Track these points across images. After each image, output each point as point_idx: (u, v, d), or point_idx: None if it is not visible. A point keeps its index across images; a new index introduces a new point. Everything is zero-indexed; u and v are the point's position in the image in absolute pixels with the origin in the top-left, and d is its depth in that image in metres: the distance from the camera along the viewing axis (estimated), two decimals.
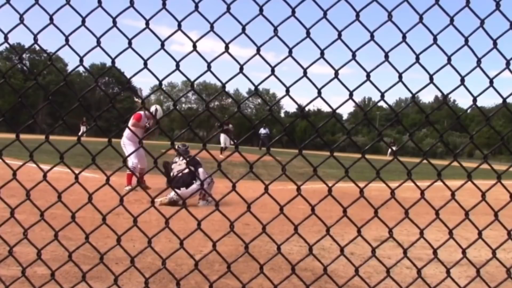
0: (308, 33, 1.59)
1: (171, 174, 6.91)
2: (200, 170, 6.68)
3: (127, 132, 7.59)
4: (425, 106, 55.07)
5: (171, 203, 6.20)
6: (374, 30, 1.60)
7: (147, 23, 1.52)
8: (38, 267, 2.78)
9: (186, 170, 6.71)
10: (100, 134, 24.87)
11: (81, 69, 2.06)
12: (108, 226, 1.64)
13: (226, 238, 1.74)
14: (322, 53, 1.61)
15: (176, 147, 7.26)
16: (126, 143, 7.69)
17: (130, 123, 7.68)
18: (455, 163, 1.79)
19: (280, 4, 1.55)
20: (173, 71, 1.61)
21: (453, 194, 1.70)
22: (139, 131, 7.48)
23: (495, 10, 1.65)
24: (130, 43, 1.54)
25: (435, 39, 1.65)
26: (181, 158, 7.03)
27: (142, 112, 7.72)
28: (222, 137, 18.10)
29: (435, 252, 1.78)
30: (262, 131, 26.27)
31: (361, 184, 1.68)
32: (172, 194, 6.22)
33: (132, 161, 7.57)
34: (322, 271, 1.72)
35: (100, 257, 1.69)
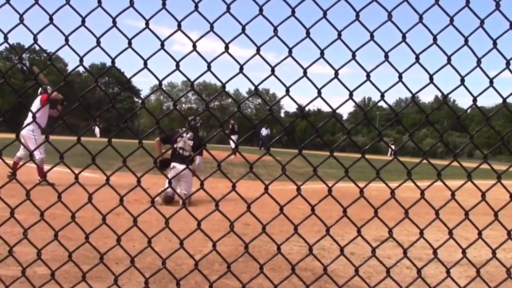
0: (308, 33, 1.59)
1: (175, 146, 6.38)
2: (198, 158, 6.31)
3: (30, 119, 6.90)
4: (425, 106, 55.10)
5: (167, 199, 5.93)
6: (374, 30, 1.60)
7: (147, 23, 1.52)
8: (38, 267, 2.77)
9: (187, 153, 6.33)
10: (101, 134, 24.93)
11: (81, 69, 2.06)
12: (108, 226, 1.64)
13: (226, 238, 1.74)
14: (322, 53, 1.61)
15: (188, 121, 6.98)
16: (36, 132, 6.95)
17: (38, 107, 6.86)
18: (455, 163, 1.79)
19: (280, 4, 1.55)
20: (173, 71, 1.61)
21: (453, 194, 1.70)
22: (45, 117, 6.99)
23: (495, 10, 1.65)
24: (130, 43, 1.54)
25: (435, 39, 1.65)
26: (189, 134, 6.42)
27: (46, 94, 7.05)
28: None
29: (435, 252, 1.78)
30: (264, 131, 26.03)
31: (361, 184, 1.67)
32: (169, 189, 5.70)
33: (41, 155, 6.98)
34: (322, 271, 1.72)
35: (100, 257, 1.69)
